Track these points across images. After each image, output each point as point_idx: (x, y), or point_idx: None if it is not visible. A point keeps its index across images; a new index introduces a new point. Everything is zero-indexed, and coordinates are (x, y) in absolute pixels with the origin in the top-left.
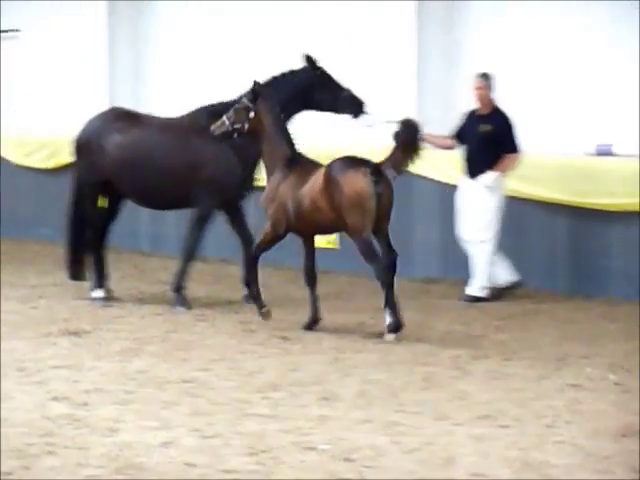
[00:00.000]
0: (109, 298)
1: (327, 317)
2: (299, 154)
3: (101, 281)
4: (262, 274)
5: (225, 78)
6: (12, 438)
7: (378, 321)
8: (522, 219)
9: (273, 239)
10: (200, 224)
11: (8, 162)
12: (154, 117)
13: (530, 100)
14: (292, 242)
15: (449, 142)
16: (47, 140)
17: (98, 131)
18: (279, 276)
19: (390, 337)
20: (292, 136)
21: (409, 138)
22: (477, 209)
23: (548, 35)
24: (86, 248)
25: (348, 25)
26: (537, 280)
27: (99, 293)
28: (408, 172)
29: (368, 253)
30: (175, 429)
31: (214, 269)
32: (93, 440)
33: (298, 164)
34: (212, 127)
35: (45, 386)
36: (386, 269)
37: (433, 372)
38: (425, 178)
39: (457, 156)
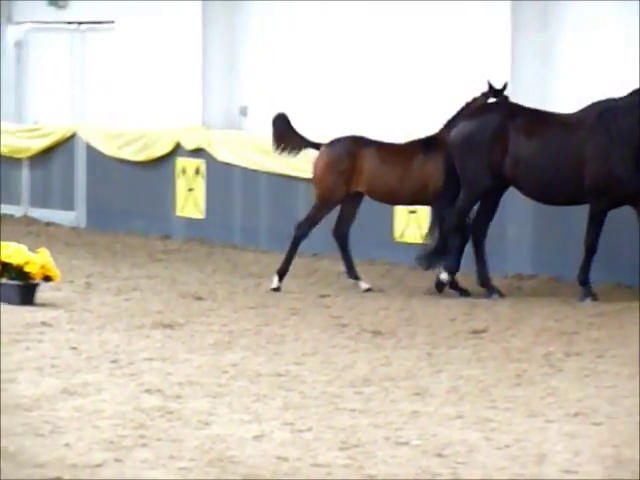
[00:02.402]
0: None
1: (420, 312)
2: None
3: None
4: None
5: (317, 75)
6: (104, 430)
7: (472, 317)
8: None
9: None
10: (593, 221)
11: (101, 154)
12: (550, 113)
13: None
14: (381, 237)
15: None
16: (140, 133)
17: (495, 128)
18: (371, 271)
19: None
20: None
21: None
22: None
23: None
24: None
25: (442, 23)
26: (631, 277)
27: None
28: None
29: None
30: (267, 422)
31: (306, 263)
32: (186, 433)
33: None
34: None
35: (138, 378)
36: None
37: (525, 369)
38: None
39: None
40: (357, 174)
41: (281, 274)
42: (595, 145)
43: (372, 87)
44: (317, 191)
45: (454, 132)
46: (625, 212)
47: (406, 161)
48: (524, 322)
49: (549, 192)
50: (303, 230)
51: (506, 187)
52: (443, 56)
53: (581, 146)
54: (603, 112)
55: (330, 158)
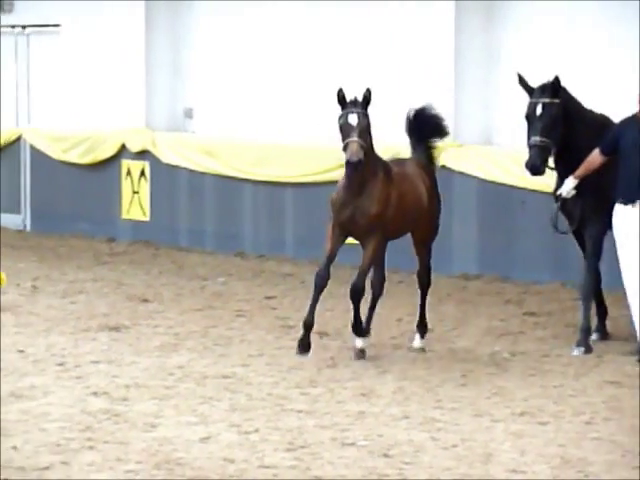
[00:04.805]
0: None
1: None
2: None
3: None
4: (300, 270)
5: (262, 78)
6: (51, 433)
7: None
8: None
9: None
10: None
11: (46, 157)
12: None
13: None
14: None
15: (598, 160)
16: (85, 136)
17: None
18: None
19: None
20: None
21: None
22: None
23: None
24: None
25: (386, 25)
26: (576, 276)
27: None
28: (448, 169)
29: None
30: (214, 424)
31: (252, 265)
32: (132, 435)
33: None
34: None
35: (84, 381)
36: None
37: (471, 369)
38: (464, 174)
39: (496, 152)
40: None
41: None
42: None
43: (318, 87)
44: None
45: None
46: None
47: None
48: (469, 322)
49: None
50: None
51: None
52: (387, 57)
53: None
54: None
55: None
